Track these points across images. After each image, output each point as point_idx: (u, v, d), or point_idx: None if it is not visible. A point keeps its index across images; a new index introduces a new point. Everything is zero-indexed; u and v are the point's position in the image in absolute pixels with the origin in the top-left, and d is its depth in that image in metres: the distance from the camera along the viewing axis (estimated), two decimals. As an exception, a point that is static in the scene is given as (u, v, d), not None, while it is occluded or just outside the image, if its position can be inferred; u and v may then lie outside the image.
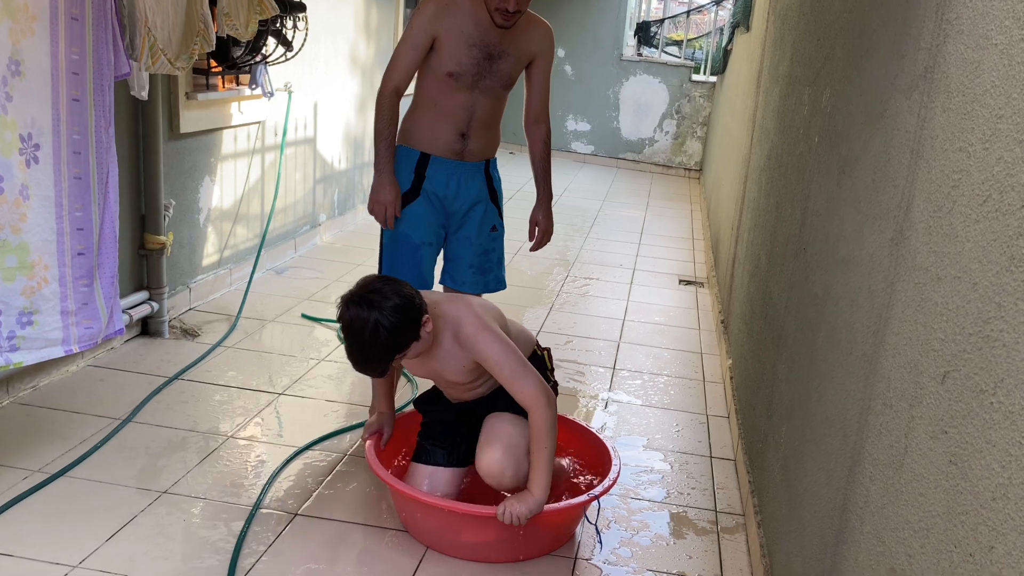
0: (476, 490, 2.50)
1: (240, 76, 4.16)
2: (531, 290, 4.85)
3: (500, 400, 2.39)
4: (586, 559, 2.40)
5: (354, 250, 5.26)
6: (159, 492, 2.49)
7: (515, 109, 2.99)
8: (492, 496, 2.41)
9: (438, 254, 2.86)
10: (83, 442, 2.71)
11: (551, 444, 2.22)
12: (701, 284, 5.37)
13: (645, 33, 10.03)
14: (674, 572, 2.37)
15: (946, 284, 1.19)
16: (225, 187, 4.18)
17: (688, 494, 2.80)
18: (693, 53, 10.04)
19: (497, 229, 2.90)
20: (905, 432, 1.29)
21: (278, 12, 3.66)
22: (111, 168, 2.69)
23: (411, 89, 2.79)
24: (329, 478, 2.68)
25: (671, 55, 10.04)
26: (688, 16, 10.05)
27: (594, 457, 2.70)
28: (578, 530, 2.51)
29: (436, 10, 2.62)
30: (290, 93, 4.64)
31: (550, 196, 3.00)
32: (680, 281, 5.39)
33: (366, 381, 3.27)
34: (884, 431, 1.38)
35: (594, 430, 2.80)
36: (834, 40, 2.19)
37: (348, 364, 2.38)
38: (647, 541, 2.51)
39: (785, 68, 3.08)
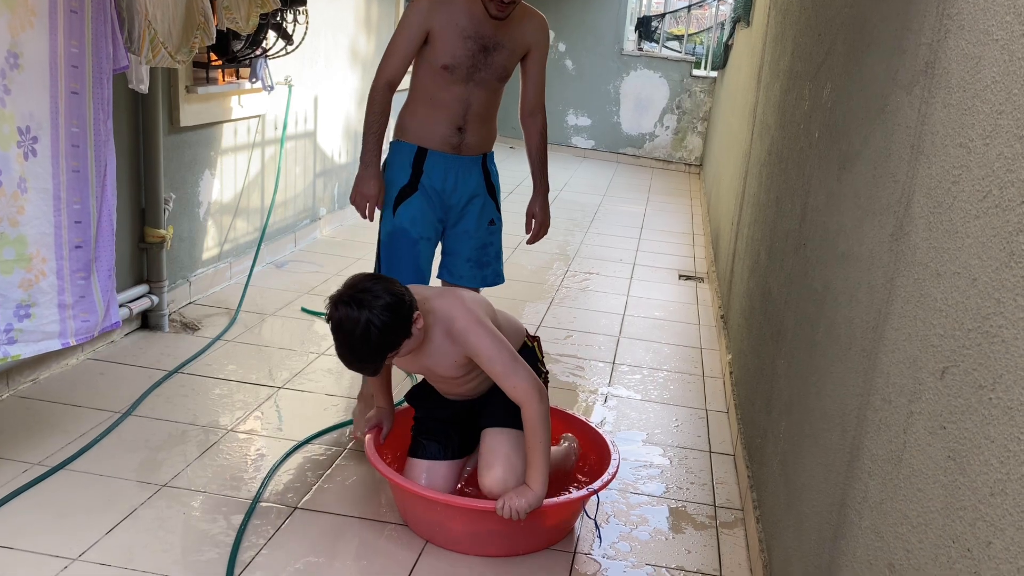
0: (475, 483, 2.51)
1: (240, 70, 4.15)
2: (531, 284, 4.85)
3: (494, 397, 2.40)
4: (585, 553, 2.40)
5: (354, 244, 5.26)
6: (159, 485, 2.49)
7: (514, 104, 2.99)
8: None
9: (436, 249, 2.86)
10: (83, 435, 2.72)
11: (546, 438, 2.23)
12: (701, 279, 5.37)
13: (646, 28, 10.01)
14: (673, 566, 2.38)
15: (946, 280, 1.19)
16: (225, 181, 4.17)
17: (687, 489, 2.81)
18: (694, 48, 10.03)
19: (495, 223, 2.89)
20: (904, 428, 1.29)
21: (279, 6, 3.65)
22: (109, 161, 2.68)
23: (407, 84, 2.79)
24: (329, 472, 2.68)
25: (672, 50, 10.02)
26: (689, 11, 10.03)
27: (593, 452, 2.70)
28: (577, 524, 2.51)
29: (430, 3, 2.61)
30: (290, 87, 4.64)
31: (547, 188, 3.00)
32: (680, 276, 5.39)
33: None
34: (883, 426, 1.38)
35: (593, 424, 2.81)
36: (835, 35, 2.18)
37: (347, 358, 2.38)
38: (646, 535, 2.52)
39: (786, 63, 3.07)
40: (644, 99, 9.91)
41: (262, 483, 2.56)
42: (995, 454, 0.99)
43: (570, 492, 2.50)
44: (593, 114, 10.07)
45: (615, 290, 4.95)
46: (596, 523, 2.51)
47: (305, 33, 4.24)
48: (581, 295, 4.79)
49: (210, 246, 4.11)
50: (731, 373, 3.53)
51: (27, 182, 2.40)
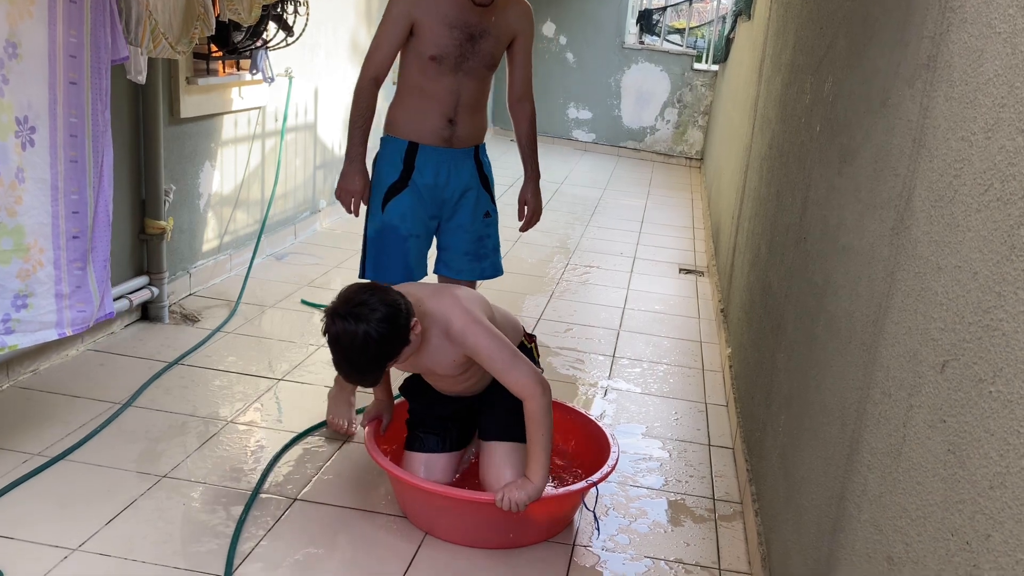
0: (473, 474, 2.51)
1: (241, 61, 4.14)
2: (531, 278, 4.85)
3: (495, 397, 2.40)
4: (584, 545, 2.41)
5: (354, 236, 5.23)
6: (159, 476, 2.50)
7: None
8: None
9: (428, 246, 2.82)
10: (83, 426, 2.72)
11: (547, 431, 2.23)
12: (701, 273, 5.37)
13: (647, 21, 9.99)
14: (671, 559, 2.38)
15: (946, 273, 1.19)
16: (225, 172, 4.17)
17: (686, 482, 2.81)
18: (695, 41, 10.00)
19: (491, 215, 2.87)
20: (903, 421, 1.29)
21: (280, -3, 3.64)
22: (106, 152, 2.68)
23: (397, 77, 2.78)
24: (328, 463, 2.68)
25: (673, 43, 10.00)
26: (690, 4, 10.01)
27: (593, 444, 2.70)
28: (576, 516, 2.52)
29: None
30: (291, 79, 4.63)
31: (538, 175, 2.99)
32: (680, 270, 5.39)
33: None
34: (882, 420, 1.38)
35: (593, 417, 2.81)
36: (837, 28, 2.18)
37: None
38: (645, 528, 2.52)
39: (787, 56, 3.07)
40: (645, 93, 9.89)
41: (262, 474, 2.56)
42: (995, 447, 0.99)
43: (569, 484, 2.50)
44: (594, 107, 10.05)
45: (615, 284, 4.95)
46: (595, 515, 2.51)
47: (306, 24, 4.23)
48: (581, 288, 4.79)
49: (210, 238, 4.11)
50: (731, 367, 3.53)
51: (25, 172, 2.40)
